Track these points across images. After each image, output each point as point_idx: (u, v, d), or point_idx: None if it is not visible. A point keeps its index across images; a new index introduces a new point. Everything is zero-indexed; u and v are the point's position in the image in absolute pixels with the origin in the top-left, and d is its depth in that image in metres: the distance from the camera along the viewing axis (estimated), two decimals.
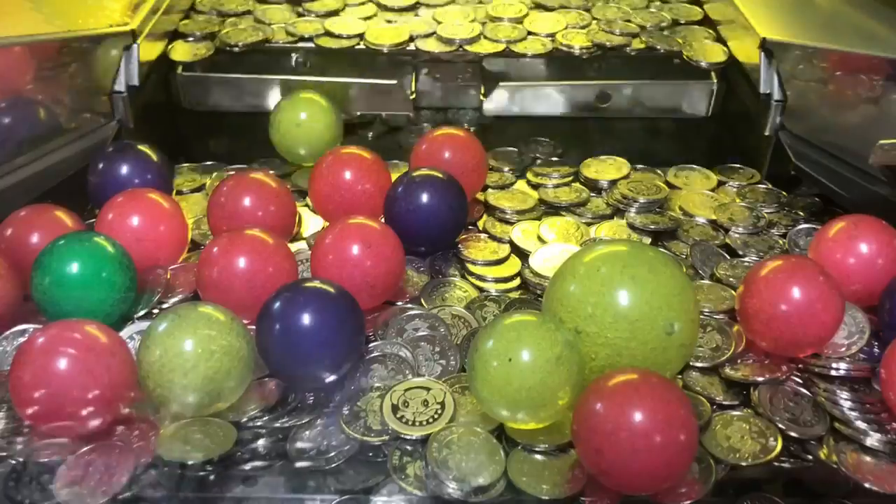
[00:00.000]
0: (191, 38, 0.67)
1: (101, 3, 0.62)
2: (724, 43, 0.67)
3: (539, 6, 0.72)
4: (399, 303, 0.49)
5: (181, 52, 0.66)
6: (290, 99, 0.60)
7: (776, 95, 0.60)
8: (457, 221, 0.53)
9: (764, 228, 0.56)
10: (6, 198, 0.52)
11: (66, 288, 0.45)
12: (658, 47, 0.67)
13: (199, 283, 0.47)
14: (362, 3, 0.72)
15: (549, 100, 0.68)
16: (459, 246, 0.53)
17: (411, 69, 0.69)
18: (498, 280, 0.51)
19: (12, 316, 0.46)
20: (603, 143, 0.67)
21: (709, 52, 0.66)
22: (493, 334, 0.40)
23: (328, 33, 0.68)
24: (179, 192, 0.59)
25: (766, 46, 0.60)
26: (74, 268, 0.45)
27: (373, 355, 0.45)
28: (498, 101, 0.68)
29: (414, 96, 0.68)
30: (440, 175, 0.52)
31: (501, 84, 0.68)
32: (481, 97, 0.69)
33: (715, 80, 0.68)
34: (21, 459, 0.39)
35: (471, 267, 0.52)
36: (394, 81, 0.67)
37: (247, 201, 0.51)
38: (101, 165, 0.54)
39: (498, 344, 0.39)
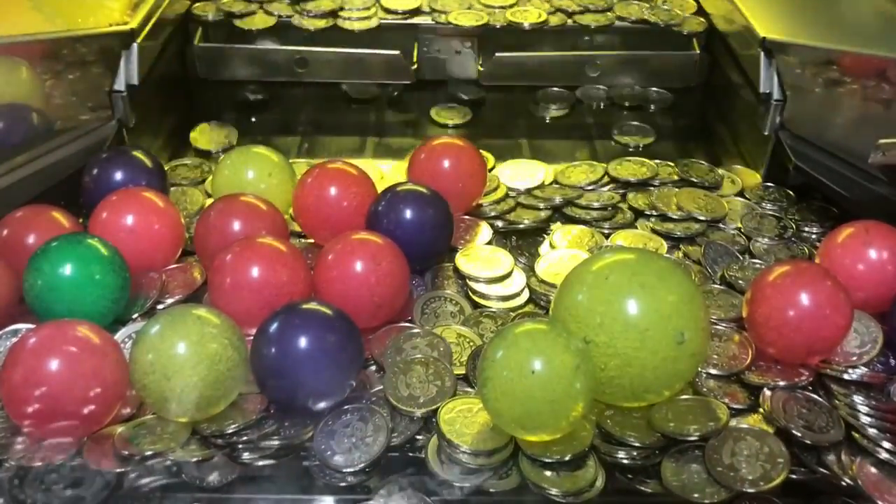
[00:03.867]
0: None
1: (101, 2, 0.61)
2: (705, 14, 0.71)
3: (560, 10, 0.72)
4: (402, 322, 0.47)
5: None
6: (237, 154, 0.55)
7: (776, 95, 0.59)
8: (438, 238, 0.50)
9: (791, 238, 0.54)
10: (5, 197, 0.51)
11: (58, 290, 0.43)
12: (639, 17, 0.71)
13: (210, 290, 0.45)
14: (366, 8, 0.71)
15: (543, 70, 0.71)
16: (459, 260, 0.51)
17: (413, 41, 0.71)
18: (503, 298, 0.49)
19: (8, 316, 0.45)
20: (599, 118, 0.70)
21: (688, 23, 0.71)
22: (509, 345, 0.37)
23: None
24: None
25: (766, 46, 0.59)
26: (66, 270, 0.43)
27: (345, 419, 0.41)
28: (494, 71, 0.71)
29: (416, 66, 0.70)
30: (423, 190, 0.49)
31: (497, 55, 0.70)
32: (479, 67, 0.71)
33: (697, 51, 0.71)
34: (13, 463, 0.38)
35: (472, 284, 0.49)
36: (396, 52, 0.69)
37: (236, 225, 0.48)
38: (95, 171, 0.53)
39: (516, 355, 0.37)
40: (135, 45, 0.59)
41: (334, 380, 0.40)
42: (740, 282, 0.49)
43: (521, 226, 0.55)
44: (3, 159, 0.53)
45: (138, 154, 0.54)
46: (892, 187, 0.51)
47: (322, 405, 0.40)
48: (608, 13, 0.71)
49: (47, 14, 0.59)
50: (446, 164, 0.53)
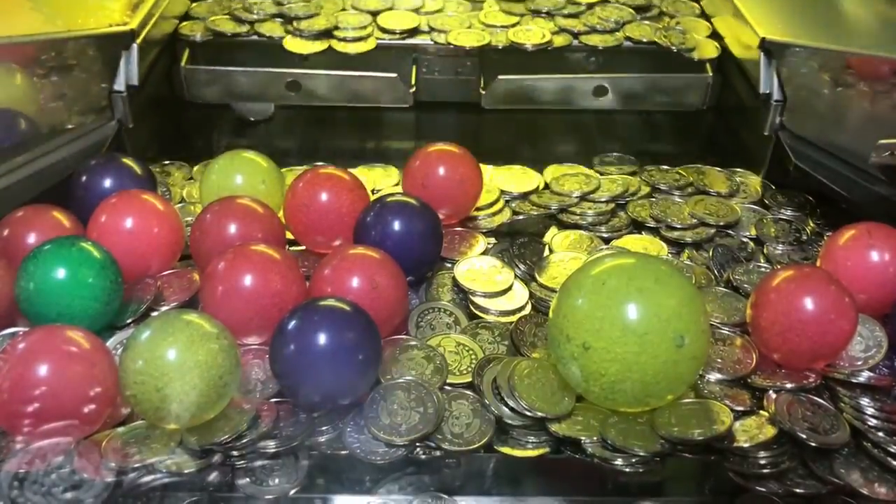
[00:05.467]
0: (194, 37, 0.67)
1: (101, 3, 0.60)
2: (720, 38, 0.67)
3: (565, 30, 0.68)
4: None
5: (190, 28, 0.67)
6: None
7: (776, 95, 0.58)
8: (427, 250, 0.48)
9: (807, 243, 0.53)
10: (5, 197, 0.51)
11: (49, 294, 0.42)
12: (650, 39, 0.67)
13: (203, 298, 0.44)
14: (362, 27, 0.68)
15: (547, 93, 0.67)
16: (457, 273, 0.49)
17: (411, 62, 0.67)
18: (504, 313, 0.48)
19: (8, 317, 0.44)
20: (603, 140, 0.67)
21: (703, 47, 0.66)
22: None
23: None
24: None
25: (766, 46, 0.58)
26: (58, 274, 0.42)
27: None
28: (496, 94, 0.67)
29: (414, 89, 0.66)
30: (411, 201, 0.48)
31: (500, 77, 0.66)
32: (480, 90, 0.67)
33: (710, 73, 0.66)
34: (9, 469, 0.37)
35: (474, 298, 0.48)
36: (394, 74, 0.66)
37: (232, 228, 0.47)
38: (84, 178, 0.52)
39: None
40: (135, 46, 0.59)
41: (365, 370, 0.40)
42: (745, 286, 0.49)
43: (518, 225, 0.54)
44: (3, 160, 0.52)
45: (128, 161, 0.53)
46: (893, 188, 0.51)
47: (344, 402, 0.40)
48: (616, 34, 0.68)
49: (47, 14, 0.58)
50: (441, 170, 0.52)
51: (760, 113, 0.60)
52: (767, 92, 0.59)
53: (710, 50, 0.66)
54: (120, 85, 0.59)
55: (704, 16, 0.70)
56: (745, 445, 0.39)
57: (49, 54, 0.55)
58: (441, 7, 0.71)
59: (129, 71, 0.59)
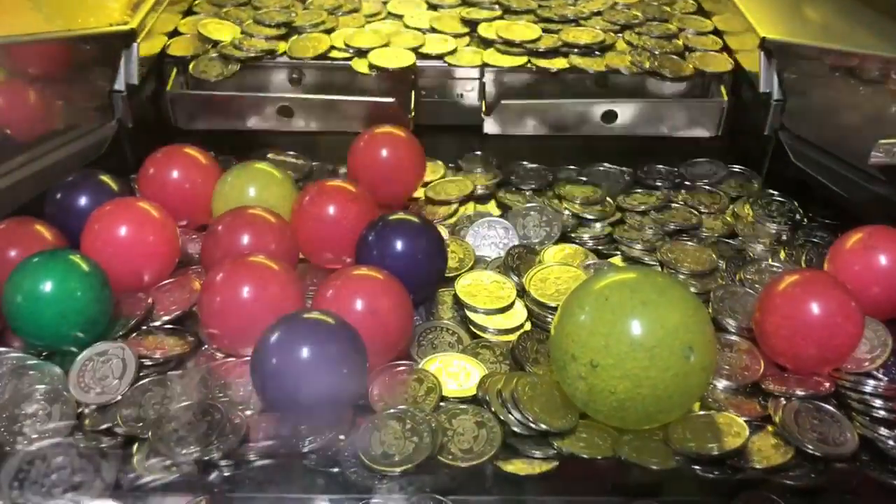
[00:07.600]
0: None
1: (101, 2, 0.60)
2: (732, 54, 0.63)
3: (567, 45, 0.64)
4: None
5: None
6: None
7: (776, 95, 0.58)
8: (431, 270, 0.47)
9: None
10: (6, 197, 0.50)
11: (37, 307, 0.41)
12: (666, 72, 0.62)
13: (201, 310, 0.43)
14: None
15: (553, 118, 0.63)
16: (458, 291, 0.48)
17: (410, 87, 0.63)
18: (502, 331, 0.46)
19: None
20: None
21: (716, 62, 0.63)
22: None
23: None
24: None
25: (766, 46, 0.58)
26: (46, 287, 0.42)
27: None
28: (500, 120, 0.63)
29: (413, 115, 0.62)
30: (415, 220, 0.47)
31: (504, 101, 0.62)
32: (482, 115, 0.63)
33: (725, 98, 0.62)
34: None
35: (472, 315, 0.47)
36: (391, 99, 0.62)
37: (245, 239, 0.46)
38: (58, 196, 0.50)
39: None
40: (135, 45, 0.59)
41: (344, 384, 0.39)
42: (756, 285, 0.49)
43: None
44: (4, 160, 0.52)
45: (105, 178, 0.51)
46: (893, 188, 0.51)
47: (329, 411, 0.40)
48: (625, 56, 0.63)
49: (47, 14, 0.58)
50: (384, 152, 0.53)
51: (760, 113, 0.59)
52: (767, 91, 0.59)
53: (722, 64, 0.63)
54: (120, 85, 0.58)
55: (727, 49, 0.65)
56: (760, 463, 0.39)
57: (49, 54, 0.55)
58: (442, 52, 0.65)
59: (128, 70, 0.59)
